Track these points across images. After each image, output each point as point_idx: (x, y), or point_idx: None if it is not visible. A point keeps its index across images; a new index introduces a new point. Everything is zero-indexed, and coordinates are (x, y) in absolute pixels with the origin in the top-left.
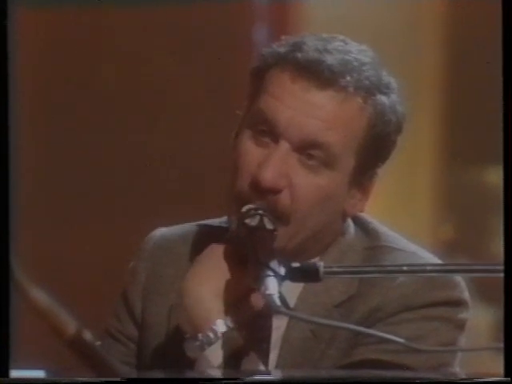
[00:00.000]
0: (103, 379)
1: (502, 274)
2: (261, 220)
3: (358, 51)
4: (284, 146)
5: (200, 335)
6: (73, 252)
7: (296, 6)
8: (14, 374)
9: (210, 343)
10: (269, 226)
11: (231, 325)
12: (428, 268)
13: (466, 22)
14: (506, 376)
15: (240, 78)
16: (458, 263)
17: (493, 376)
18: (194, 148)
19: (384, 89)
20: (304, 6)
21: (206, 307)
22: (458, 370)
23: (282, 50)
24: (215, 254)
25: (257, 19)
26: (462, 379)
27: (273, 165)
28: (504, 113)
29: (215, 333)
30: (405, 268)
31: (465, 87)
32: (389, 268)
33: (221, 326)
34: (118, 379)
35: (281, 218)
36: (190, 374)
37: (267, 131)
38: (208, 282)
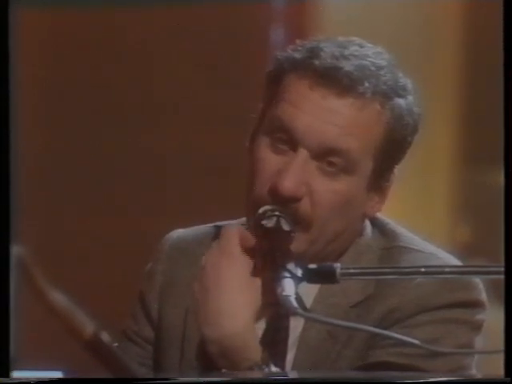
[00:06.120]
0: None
1: None
2: (277, 221)
3: (375, 54)
4: (303, 153)
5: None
6: (90, 254)
7: (312, 7)
8: (15, 374)
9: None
10: (285, 227)
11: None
12: (446, 270)
13: (482, 23)
14: (506, 376)
15: (255, 79)
16: (477, 265)
17: (493, 376)
18: (211, 149)
19: (401, 91)
20: (320, 7)
21: (243, 338)
22: (475, 372)
23: (298, 55)
24: (224, 272)
25: (273, 20)
26: (462, 379)
27: (292, 173)
28: (505, 113)
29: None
30: (422, 269)
31: (481, 88)
32: (406, 269)
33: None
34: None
35: (301, 224)
36: (205, 375)
37: (285, 139)
38: (237, 309)
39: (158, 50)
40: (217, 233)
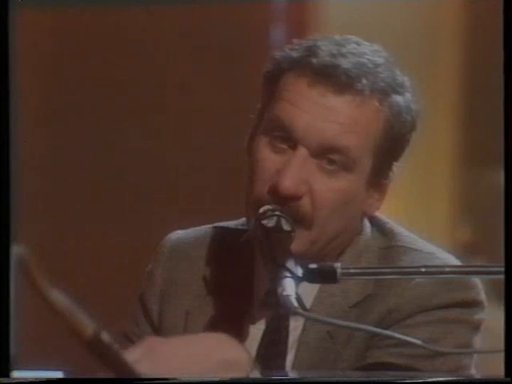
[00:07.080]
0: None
1: None
2: (278, 221)
3: (372, 52)
4: (302, 151)
5: None
6: (90, 254)
7: (312, 7)
8: (16, 374)
9: None
10: (286, 227)
11: None
12: (446, 270)
13: (482, 23)
14: (506, 376)
15: (255, 79)
16: (477, 265)
17: (493, 376)
18: (211, 149)
19: (399, 88)
20: (320, 7)
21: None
22: (474, 372)
23: (296, 54)
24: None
25: (273, 20)
26: (461, 379)
27: (292, 172)
28: (505, 113)
29: None
30: (423, 269)
31: (482, 88)
32: (406, 269)
33: None
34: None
35: (302, 223)
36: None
37: (285, 137)
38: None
39: (158, 50)
40: (216, 234)
